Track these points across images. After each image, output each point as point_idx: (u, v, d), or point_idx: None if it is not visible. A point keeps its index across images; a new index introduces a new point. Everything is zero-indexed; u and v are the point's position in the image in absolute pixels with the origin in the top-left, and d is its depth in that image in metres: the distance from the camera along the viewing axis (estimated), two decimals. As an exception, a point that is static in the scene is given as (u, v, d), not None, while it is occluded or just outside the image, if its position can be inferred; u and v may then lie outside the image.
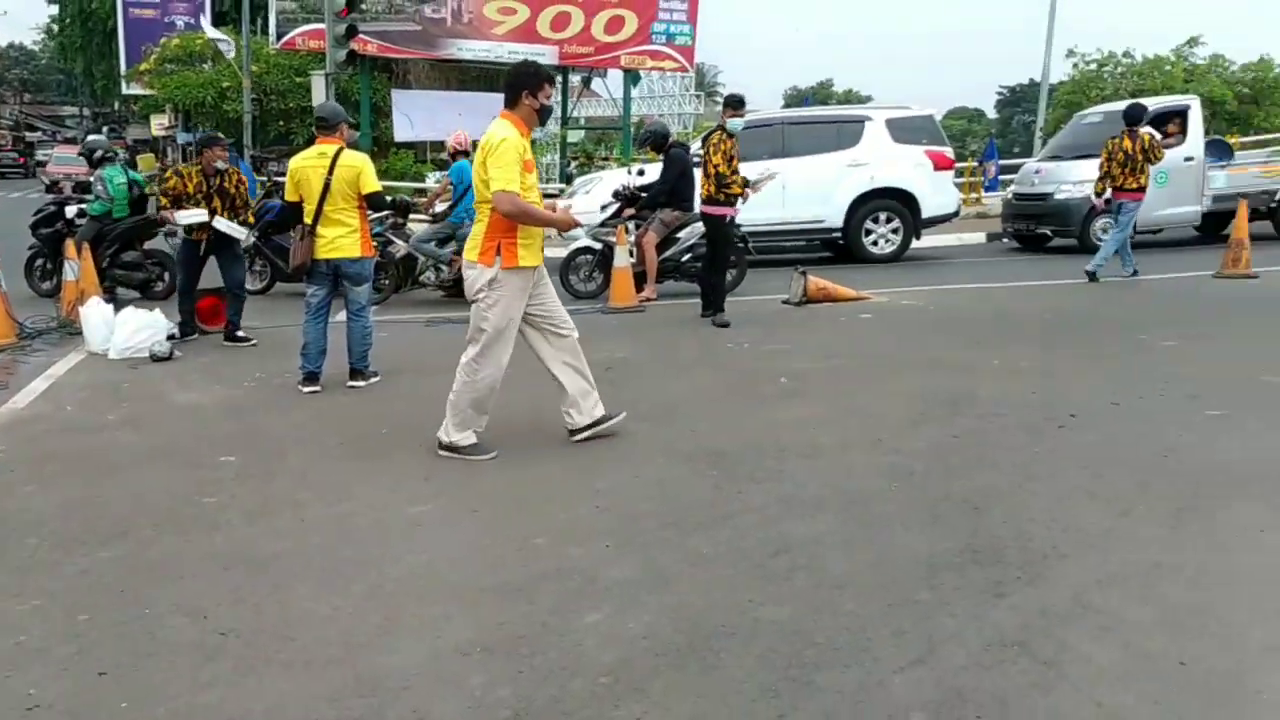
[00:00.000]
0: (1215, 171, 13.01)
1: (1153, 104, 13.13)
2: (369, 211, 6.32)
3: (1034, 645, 2.72)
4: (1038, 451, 4.50)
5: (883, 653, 2.70)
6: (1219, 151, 13.85)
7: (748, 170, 8.46)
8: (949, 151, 12.88)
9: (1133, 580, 3.15)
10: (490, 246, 4.49)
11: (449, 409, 4.62)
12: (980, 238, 15.43)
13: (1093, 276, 9.86)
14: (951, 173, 13.33)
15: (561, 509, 3.95)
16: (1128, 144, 9.81)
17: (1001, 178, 19.38)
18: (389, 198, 10.30)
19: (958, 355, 6.60)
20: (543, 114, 4.65)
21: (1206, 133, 14.09)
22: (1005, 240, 14.68)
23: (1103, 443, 4.61)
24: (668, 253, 9.57)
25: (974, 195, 19.06)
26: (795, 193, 11.49)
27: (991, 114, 77.63)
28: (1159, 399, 5.37)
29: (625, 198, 9.62)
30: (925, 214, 12.26)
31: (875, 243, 12.27)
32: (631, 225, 9.62)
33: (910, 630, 2.83)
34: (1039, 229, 13.62)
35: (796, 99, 57.38)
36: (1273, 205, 13.30)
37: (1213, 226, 13.05)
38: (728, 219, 8.21)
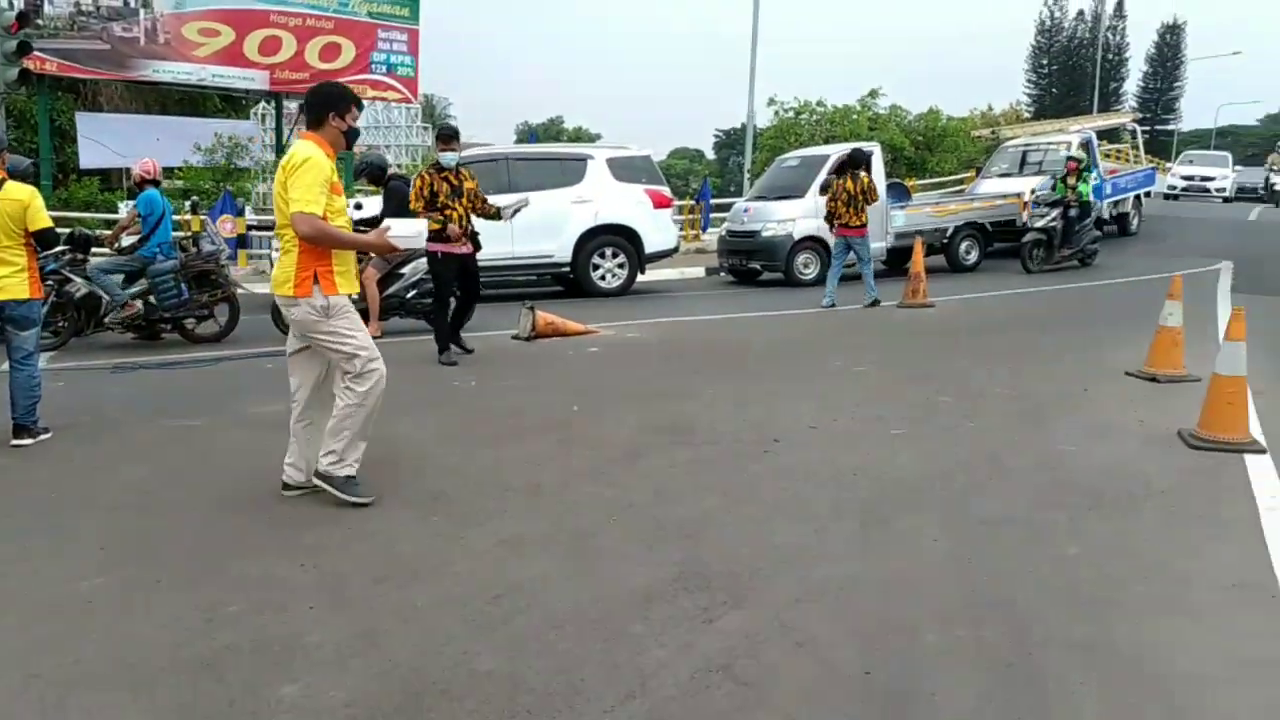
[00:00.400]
0: (896, 211, 14.62)
1: (838, 150, 14.58)
2: (38, 249, 5.62)
3: (737, 669, 2.83)
4: (745, 476, 4.76)
5: (595, 692, 2.70)
6: (898, 193, 15.62)
7: (500, 200, 8.41)
8: (667, 190, 13.54)
9: (827, 596, 3.39)
10: (305, 277, 4.18)
11: (328, 437, 4.29)
12: (700, 272, 16.32)
13: (875, 303, 11.11)
14: (670, 210, 14.01)
15: (261, 570, 3.65)
16: (850, 185, 10.86)
17: (713, 215, 20.60)
18: (69, 230, 9.25)
19: (678, 386, 6.89)
20: (349, 136, 4.40)
21: (888, 176, 15.84)
22: (722, 275, 15.61)
23: (801, 465, 4.96)
24: (391, 289, 9.29)
25: (694, 232, 20.17)
26: (523, 228, 11.55)
27: (711, 155, 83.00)
28: (850, 421, 5.88)
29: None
30: (648, 250, 12.79)
31: (603, 277, 12.62)
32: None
33: (623, 665, 2.86)
34: (750, 264, 14.62)
35: (526, 135, 58.17)
36: (944, 242, 15.14)
37: (897, 260, 14.61)
38: (439, 255, 7.79)
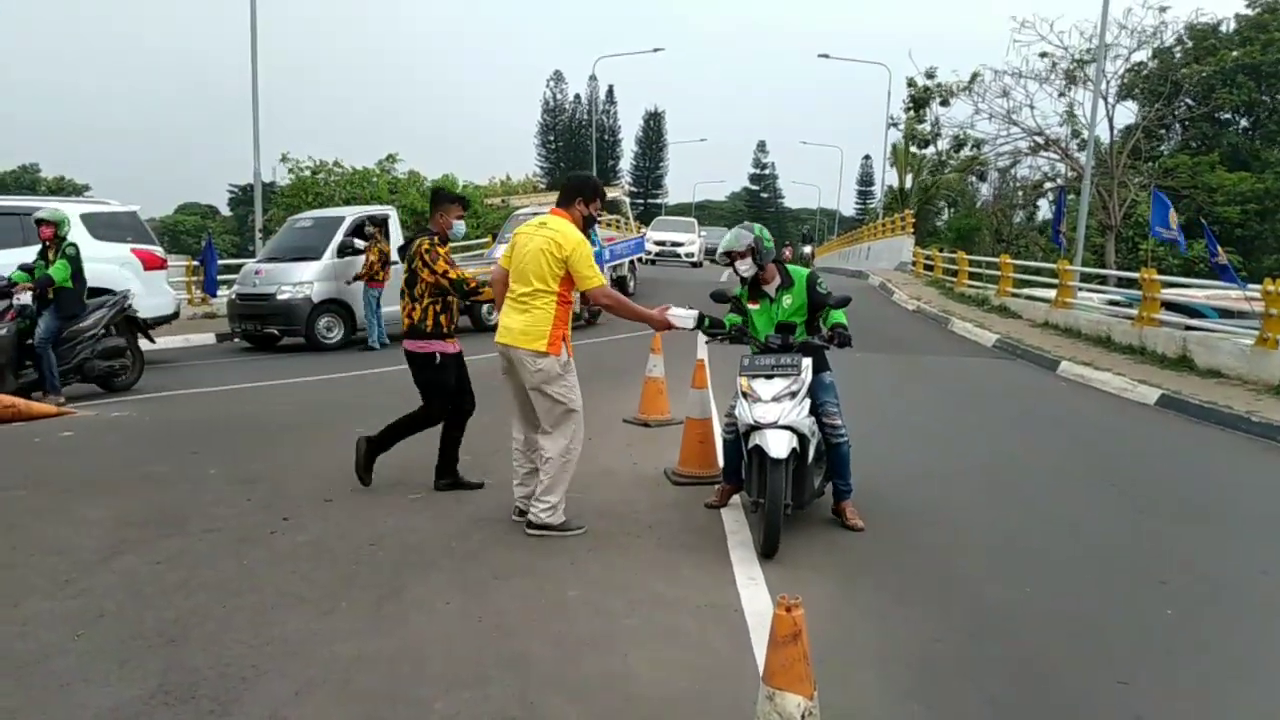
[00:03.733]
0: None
1: (355, 212, 14.46)
2: None
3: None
4: (247, 563, 4.36)
5: None
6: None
7: None
8: (159, 250, 12.25)
9: (332, 681, 3.20)
10: (558, 336, 4.76)
11: (547, 494, 4.81)
12: (210, 338, 14.95)
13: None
14: (165, 272, 12.69)
15: None
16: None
17: (221, 278, 18.95)
18: None
19: (174, 468, 6.14)
20: (587, 223, 4.93)
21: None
22: (236, 340, 14.46)
23: (315, 542, 4.69)
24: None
25: (199, 294, 18.40)
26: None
27: (226, 210, 77.36)
28: (369, 490, 5.64)
29: None
30: (142, 315, 11.37)
31: (83, 350, 10.92)
32: None
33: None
34: (266, 328, 13.74)
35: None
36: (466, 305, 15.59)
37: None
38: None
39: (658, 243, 30.84)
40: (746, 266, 5.02)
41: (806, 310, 5.03)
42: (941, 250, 25.96)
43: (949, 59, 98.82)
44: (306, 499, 5.44)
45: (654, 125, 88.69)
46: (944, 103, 31.43)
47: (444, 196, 5.90)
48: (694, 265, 32.15)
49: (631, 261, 21.46)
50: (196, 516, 5.05)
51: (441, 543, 4.71)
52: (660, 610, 3.91)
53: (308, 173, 24.90)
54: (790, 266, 5.17)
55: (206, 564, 4.34)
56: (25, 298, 8.62)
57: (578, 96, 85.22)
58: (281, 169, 26.01)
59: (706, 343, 5.63)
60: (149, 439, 7.29)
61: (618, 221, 24.75)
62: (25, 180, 66.40)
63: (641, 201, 70.65)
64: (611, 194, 28.70)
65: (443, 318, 5.61)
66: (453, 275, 5.53)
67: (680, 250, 32.20)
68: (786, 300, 5.05)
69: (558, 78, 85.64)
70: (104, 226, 11.20)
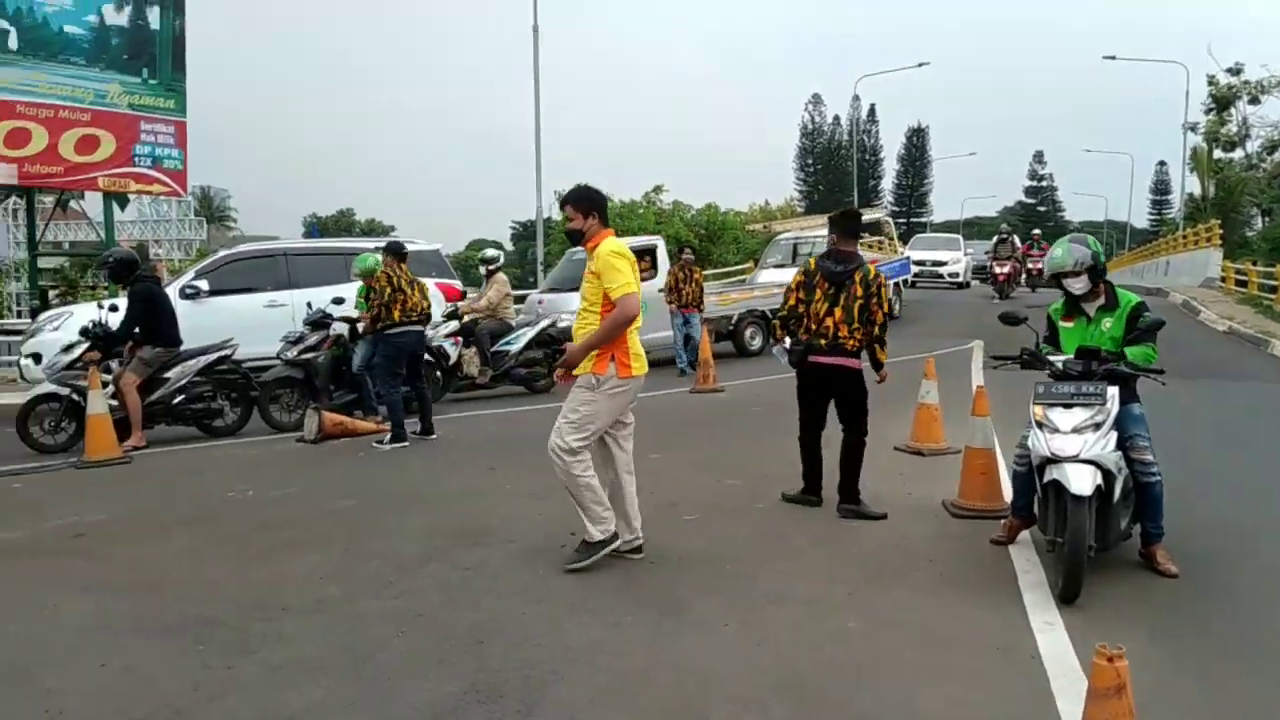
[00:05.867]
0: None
1: (627, 244, 15.07)
2: None
3: (530, 782, 2.73)
4: (541, 573, 4.68)
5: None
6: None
7: None
8: (458, 283, 13.47)
9: (623, 692, 3.35)
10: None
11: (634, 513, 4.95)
12: (500, 364, 16.21)
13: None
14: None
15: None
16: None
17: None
18: None
19: (475, 482, 6.73)
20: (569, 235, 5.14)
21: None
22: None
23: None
24: (155, 395, 8.60)
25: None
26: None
27: (510, 246, 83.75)
28: (645, 510, 5.86)
29: (94, 336, 8.48)
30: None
31: (398, 373, 12.25)
32: (115, 365, 8.53)
33: (409, 794, 2.69)
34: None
35: (309, 228, 56.40)
36: (730, 329, 15.87)
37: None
38: None
39: (916, 263, 27.58)
40: (1081, 285, 4.66)
41: (1122, 341, 4.64)
42: (1255, 264, 22.94)
43: (1258, 52, 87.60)
44: (589, 517, 5.74)
45: (917, 141, 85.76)
46: (1254, 100, 27.93)
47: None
48: (959, 286, 29.20)
49: (896, 284, 20.85)
50: (497, 528, 5.49)
51: (717, 565, 4.80)
52: (947, 648, 3.75)
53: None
54: (1120, 289, 4.76)
55: (506, 572, 4.71)
56: (342, 328, 9.84)
57: (836, 118, 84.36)
58: (558, 207, 27.85)
59: (996, 367, 5.32)
60: (453, 456, 8.04)
61: (880, 243, 24.11)
62: (343, 223, 75.45)
63: (904, 221, 68.39)
64: (872, 215, 27.96)
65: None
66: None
67: (943, 270, 29.09)
68: (1106, 323, 4.66)
69: (816, 100, 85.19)
70: (412, 264, 12.50)
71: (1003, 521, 5.18)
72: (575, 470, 4.68)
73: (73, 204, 19.98)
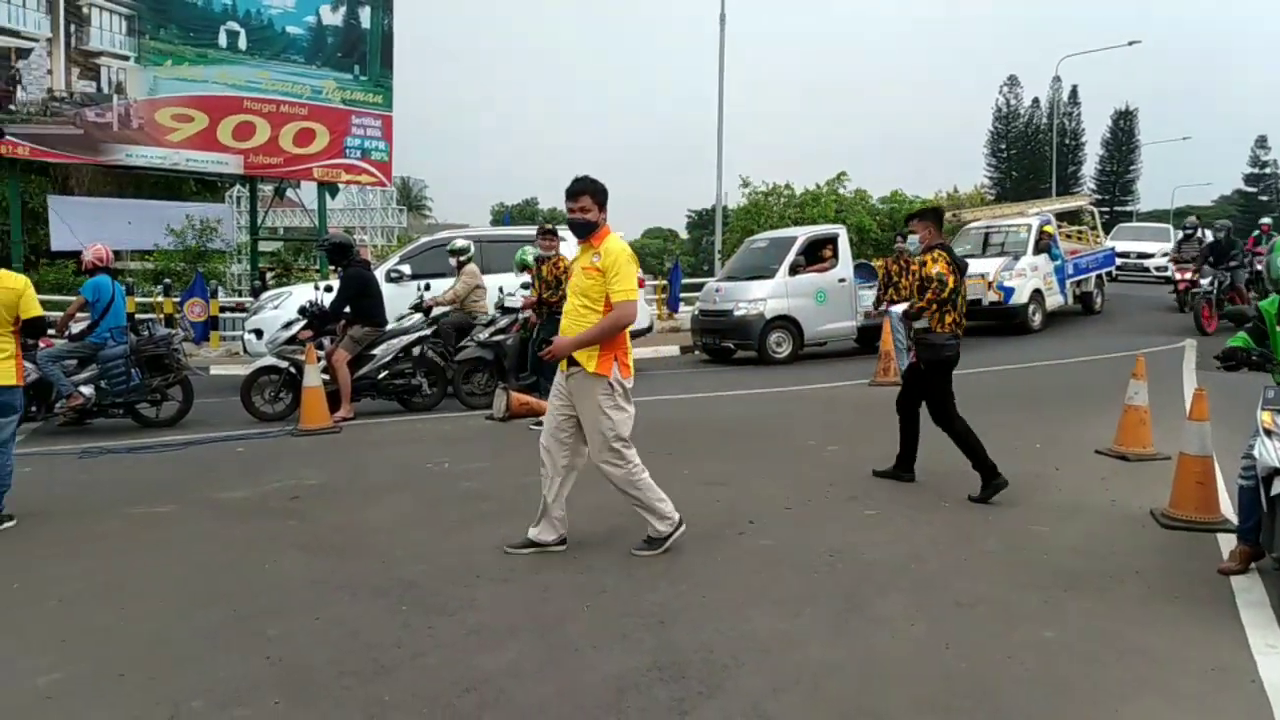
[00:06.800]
0: (865, 291, 14.83)
1: (807, 232, 14.87)
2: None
3: (713, 763, 2.76)
4: (720, 559, 4.72)
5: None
6: (866, 274, 15.85)
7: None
8: (639, 272, 13.69)
9: (804, 684, 3.33)
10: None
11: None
12: (675, 350, 16.41)
13: None
14: (641, 291, 14.16)
15: (226, 663, 3.54)
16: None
17: (686, 295, 20.75)
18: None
19: (652, 465, 6.82)
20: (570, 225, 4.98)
21: (855, 257, 16.11)
22: (697, 353, 15.71)
23: (777, 547, 4.93)
24: (363, 370, 9.26)
25: (666, 310, 20.35)
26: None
27: (684, 234, 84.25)
28: (825, 502, 5.86)
29: (310, 314, 9.21)
30: (623, 330, 12.84)
31: (576, 357, 12.61)
32: (327, 341, 9.24)
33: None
34: (723, 343, 14.73)
35: (500, 216, 58.94)
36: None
37: (866, 340, 14.72)
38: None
39: (1120, 254, 24.83)
40: None
41: None
42: None
43: None
44: (766, 505, 5.73)
45: (1124, 125, 79.47)
46: None
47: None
48: (1166, 280, 25.11)
49: (1099, 277, 19.51)
50: (674, 512, 5.56)
51: (899, 562, 4.67)
52: (1155, 666, 3.50)
53: (761, 196, 26.24)
54: None
55: (685, 556, 4.77)
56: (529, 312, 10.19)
57: (1035, 100, 79.38)
58: (735, 194, 27.76)
59: (1218, 368, 4.88)
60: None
61: (1080, 233, 22.58)
62: (527, 212, 78.18)
63: (1108, 210, 63.77)
64: (1074, 203, 26.17)
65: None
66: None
67: (1148, 263, 26.82)
68: None
69: (1012, 82, 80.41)
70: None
71: (1231, 549, 4.71)
72: (634, 474, 4.82)
73: (289, 192, 21.75)
